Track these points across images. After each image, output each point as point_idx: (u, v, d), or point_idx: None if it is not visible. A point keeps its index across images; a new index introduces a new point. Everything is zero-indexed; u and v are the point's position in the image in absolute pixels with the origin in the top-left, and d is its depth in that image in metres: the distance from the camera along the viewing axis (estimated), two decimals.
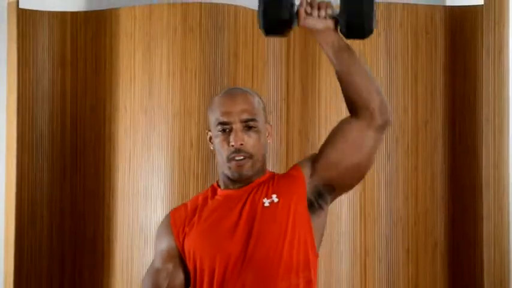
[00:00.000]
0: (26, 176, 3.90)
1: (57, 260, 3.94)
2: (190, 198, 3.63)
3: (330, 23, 2.14)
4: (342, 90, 2.15)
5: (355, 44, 3.75)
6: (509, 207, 3.66)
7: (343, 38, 2.16)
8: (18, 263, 3.84)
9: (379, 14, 3.79)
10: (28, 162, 3.91)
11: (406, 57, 3.80)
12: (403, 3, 3.81)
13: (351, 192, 3.70)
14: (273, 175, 2.23)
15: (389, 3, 3.81)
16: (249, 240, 2.10)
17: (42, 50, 3.98)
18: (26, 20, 3.93)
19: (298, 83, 3.92)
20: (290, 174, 2.19)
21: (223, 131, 2.16)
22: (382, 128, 2.14)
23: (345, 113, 2.15)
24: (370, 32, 2.15)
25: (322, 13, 2.13)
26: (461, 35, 3.83)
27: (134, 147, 3.85)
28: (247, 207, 2.14)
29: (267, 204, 2.14)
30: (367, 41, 3.76)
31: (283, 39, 3.93)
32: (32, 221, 3.90)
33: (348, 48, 2.15)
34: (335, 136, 2.16)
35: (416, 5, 3.83)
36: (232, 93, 2.20)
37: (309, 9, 2.14)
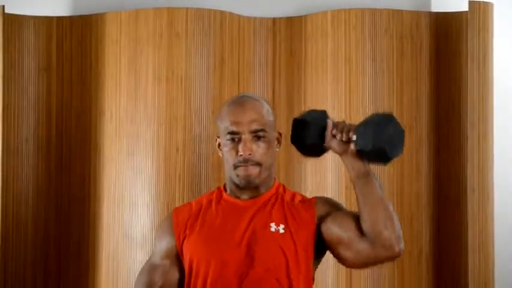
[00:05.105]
0: (11, 182, 3.88)
1: (41, 266, 3.92)
2: (175, 204, 3.67)
3: (351, 148, 2.12)
4: (359, 213, 2.14)
5: (341, 51, 3.78)
6: (494, 212, 3.68)
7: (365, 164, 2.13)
8: (2, 269, 3.82)
9: (365, 20, 3.80)
10: (13, 168, 3.89)
11: (391, 62, 3.81)
12: (389, 9, 3.82)
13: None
14: (283, 191, 2.25)
15: (375, 9, 3.82)
16: (249, 256, 2.13)
17: (28, 55, 3.96)
18: (11, 24, 3.91)
19: (284, 89, 3.92)
20: (303, 216, 2.19)
21: (233, 140, 2.18)
22: (385, 260, 2.12)
23: None
24: (388, 158, 2.09)
25: (344, 137, 2.13)
26: (446, 41, 3.85)
27: (120, 152, 3.84)
28: (252, 224, 2.16)
29: (272, 229, 2.16)
30: (352, 46, 3.80)
31: (269, 45, 3.94)
32: (16, 227, 3.89)
33: (367, 177, 2.12)
34: (339, 231, 2.18)
35: (401, 10, 3.84)
36: (242, 101, 2.22)
37: (334, 132, 2.14)
